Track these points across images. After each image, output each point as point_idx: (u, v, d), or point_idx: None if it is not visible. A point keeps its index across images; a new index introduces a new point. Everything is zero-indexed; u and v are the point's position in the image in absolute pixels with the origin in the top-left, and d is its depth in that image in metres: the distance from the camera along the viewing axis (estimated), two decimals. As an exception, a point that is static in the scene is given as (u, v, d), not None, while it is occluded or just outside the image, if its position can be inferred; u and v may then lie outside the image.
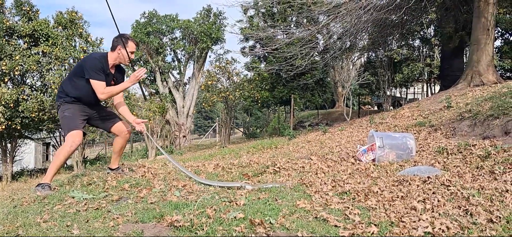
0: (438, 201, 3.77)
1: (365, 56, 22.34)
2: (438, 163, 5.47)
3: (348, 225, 3.04)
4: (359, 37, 16.98)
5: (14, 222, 3.03)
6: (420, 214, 3.43)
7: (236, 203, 3.51)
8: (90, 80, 4.31)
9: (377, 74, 19.70)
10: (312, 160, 5.92)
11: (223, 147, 14.85)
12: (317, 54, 17.78)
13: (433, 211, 3.55)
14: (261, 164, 5.75)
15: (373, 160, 5.98)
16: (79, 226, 2.95)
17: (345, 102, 24.42)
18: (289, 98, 19.08)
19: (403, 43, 19.33)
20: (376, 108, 29.63)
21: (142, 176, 4.66)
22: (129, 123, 4.67)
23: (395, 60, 18.66)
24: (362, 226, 2.99)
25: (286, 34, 17.73)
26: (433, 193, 4.05)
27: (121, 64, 4.67)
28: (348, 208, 3.52)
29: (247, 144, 14.23)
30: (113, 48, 4.49)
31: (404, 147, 6.06)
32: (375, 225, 3.03)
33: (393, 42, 19.67)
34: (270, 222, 3.01)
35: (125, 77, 4.83)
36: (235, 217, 3.08)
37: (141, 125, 4.68)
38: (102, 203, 3.60)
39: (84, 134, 4.59)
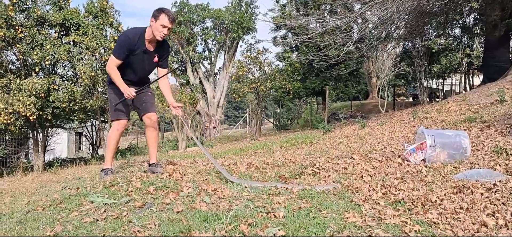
0: (511, 214, 3.22)
1: (401, 46, 21.47)
2: (499, 165, 4.85)
3: (411, 248, 2.52)
4: (396, 26, 16.22)
5: (21, 234, 2.64)
6: (494, 232, 2.89)
7: (274, 215, 3.02)
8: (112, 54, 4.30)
9: (413, 64, 18.85)
10: (354, 159, 5.38)
11: (254, 140, 14.40)
12: (351, 44, 17.08)
13: (508, 228, 3.00)
14: (298, 164, 5.25)
15: (423, 160, 5.40)
16: (93, 243, 2.53)
17: (379, 93, 23.60)
18: (321, 89, 18.47)
19: (441, 32, 18.39)
20: (411, 99, 28.69)
21: (169, 176, 4.23)
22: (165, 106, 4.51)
23: (433, 50, 17.74)
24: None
25: (319, 23, 17.10)
26: (503, 204, 3.48)
27: (165, 40, 4.49)
28: (406, 223, 2.99)
29: (279, 137, 13.74)
30: (150, 22, 4.27)
31: (457, 147, 5.45)
32: (444, 248, 2.50)
33: (430, 31, 18.78)
34: (317, 244, 2.52)
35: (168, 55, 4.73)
36: (274, 235, 2.60)
37: (178, 110, 4.57)
38: (123, 210, 3.18)
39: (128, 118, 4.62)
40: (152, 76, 5.03)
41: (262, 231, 2.65)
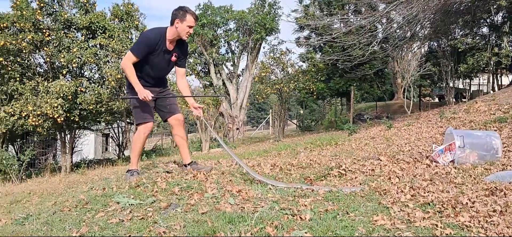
0: (548, 218, 3.09)
1: (427, 46, 21.09)
2: (533, 167, 4.70)
3: (443, 252, 2.44)
4: (421, 26, 15.94)
5: (48, 234, 2.66)
6: (530, 236, 2.78)
7: (301, 217, 2.97)
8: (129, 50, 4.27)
9: (439, 64, 18.47)
10: (381, 161, 5.28)
11: (278, 141, 14.34)
12: (375, 44, 16.87)
13: (544, 232, 2.88)
14: (323, 165, 5.18)
15: (452, 161, 5.27)
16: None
17: (405, 94, 23.25)
18: (346, 90, 18.29)
19: (468, 31, 17.97)
20: (437, 100, 28.16)
21: (193, 177, 4.23)
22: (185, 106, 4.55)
23: (459, 50, 17.35)
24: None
25: (343, 23, 16.95)
26: (538, 206, 3.35)
27: (184, 40, 4.45)
28: (437, 226, 2.90)
29: (303, 138, 13.65)
30: (171, 22, 4.26)
31: (488, 147, 5.30)
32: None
33: (456, 31, 18.38)
34: (346, 247, 2.46)
35: (187, 54, 4.75)
36: (301, 238, 2.56)
37: (199, 110, 4.60)
38: (149, 211, 3.18)
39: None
40: (168, 76, 5.06)
41: (289, 234, 2.61)
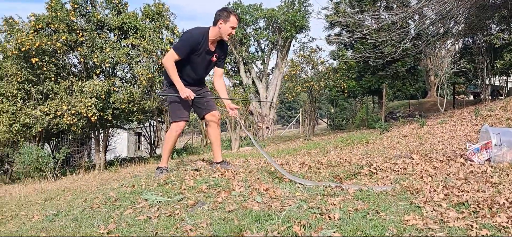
0: None
1: (461, 42, 20.51)
2: None
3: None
4: (455, 21, 15.51)
5: (76, 231, 2.69)
6: None
7: (329, 217, 2.91)
8: (172, 48, 4.30)
9: (474, 61, 17.93)
10: (413, 159, 5.14)
11: (308, 140, 14.24)
12: (407, 40, 16.52)
13: None
14: (353, 164, 5.09)
15: (488, 160, 5.09)
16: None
17: (438, 91, 22.69)
18: (378, 88, 17.99)
19: (505, 26, 17.37)
20: (472, 98, 27.39)
21: (221, 175, 4.22)
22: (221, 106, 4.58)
23: (495, 46, 16.79)
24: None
25: (375, 20, 16.67)
26: None
27: (224, 41, 4.49)
28: (472, 227, 2.79)
29: (333, 137, 13.51)
30: (214, 23, 4.30)
31: (526, 146, 5.09)
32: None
33: (492, 26, 17.79)
34: (376, 247, 2.39)
35: (226, 55, 4.78)
36: (329, 238, 2.50)
37: (235, 111, 4.61)
38: (176, 208, 3.19)
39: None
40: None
41: (317, 233, 2.56)
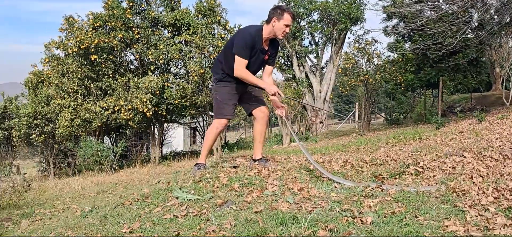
0: None
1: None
2: None
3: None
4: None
5: (100, 229, 2.71)
6: None
7: (361, 221, 2.75)
8: (235, 55, 4.15)
9: (545, 51, 16.75)
10: (465, 157, 4.82)
11: (361, 135, 13.87)
12: (469, 30, 15.63)
13: None
14: (399, 162, 4.84)
15: (550, 160, 4.67)
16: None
17: (503, 84, 21.37)
18: (437, 81, 17.19)
19: None
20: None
21: (257, 173, 4.14)
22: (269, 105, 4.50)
23: None
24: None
25: (433, 10, 15.91)
26: None
27: (277, 39, 4.42)
28: (520, 235, 2.54)
29: (387, 132, 13.08)
30: (268, 21, 4.21)
31: None
32: None
33: None
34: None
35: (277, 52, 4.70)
36: (356, 245, 2.36)
37: (282, 110, 4.54)
38: (204, 207, 3.15)
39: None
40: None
41: (343, 238, 2.42)
